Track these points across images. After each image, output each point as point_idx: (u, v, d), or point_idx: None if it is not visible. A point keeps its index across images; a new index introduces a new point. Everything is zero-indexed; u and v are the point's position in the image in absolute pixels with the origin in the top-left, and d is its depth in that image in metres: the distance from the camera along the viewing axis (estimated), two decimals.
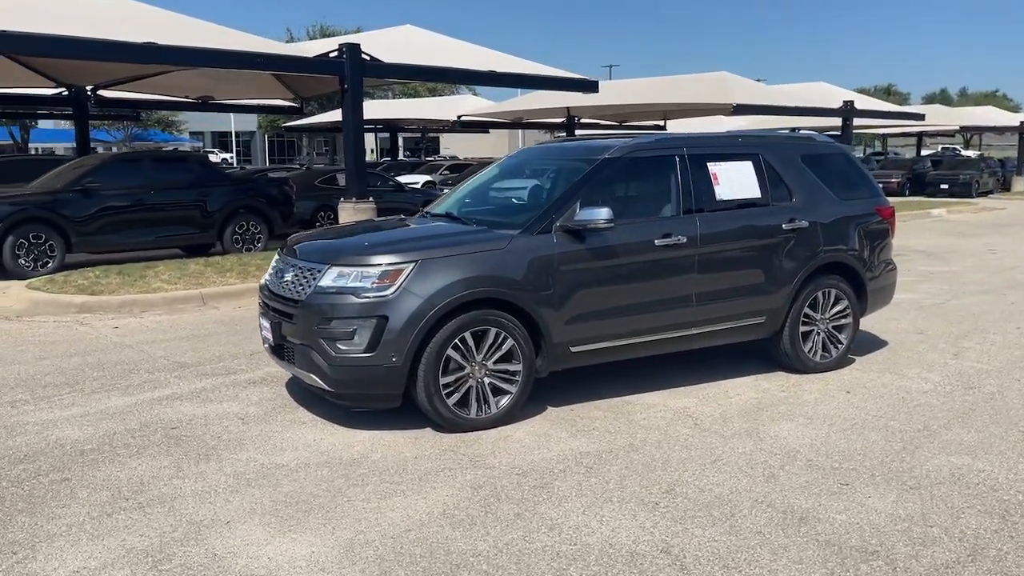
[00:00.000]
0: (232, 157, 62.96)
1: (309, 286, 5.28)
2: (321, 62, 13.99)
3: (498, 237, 5.46)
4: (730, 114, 23.72)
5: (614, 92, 25.88)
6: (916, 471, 4.67)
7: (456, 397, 5.24)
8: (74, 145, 23.50)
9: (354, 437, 5.22)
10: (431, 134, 49.35)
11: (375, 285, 5.10)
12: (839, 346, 6.77)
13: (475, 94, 35.57)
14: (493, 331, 5.29)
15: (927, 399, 5.98)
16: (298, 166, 36.18)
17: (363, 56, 13.85)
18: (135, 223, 12.69)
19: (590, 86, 17.81)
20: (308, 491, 4.40)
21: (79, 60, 14.88)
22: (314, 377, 5.24)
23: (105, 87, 21.05)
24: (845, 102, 23.48)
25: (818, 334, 6.67)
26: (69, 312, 9.14)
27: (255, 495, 4.36)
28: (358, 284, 5.12)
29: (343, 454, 4.93)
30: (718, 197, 6.23)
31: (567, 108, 26.04)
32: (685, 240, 5.93)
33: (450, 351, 5.16)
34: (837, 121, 24.13)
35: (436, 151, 60.07)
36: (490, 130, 36.89)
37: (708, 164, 6.24)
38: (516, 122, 31.29)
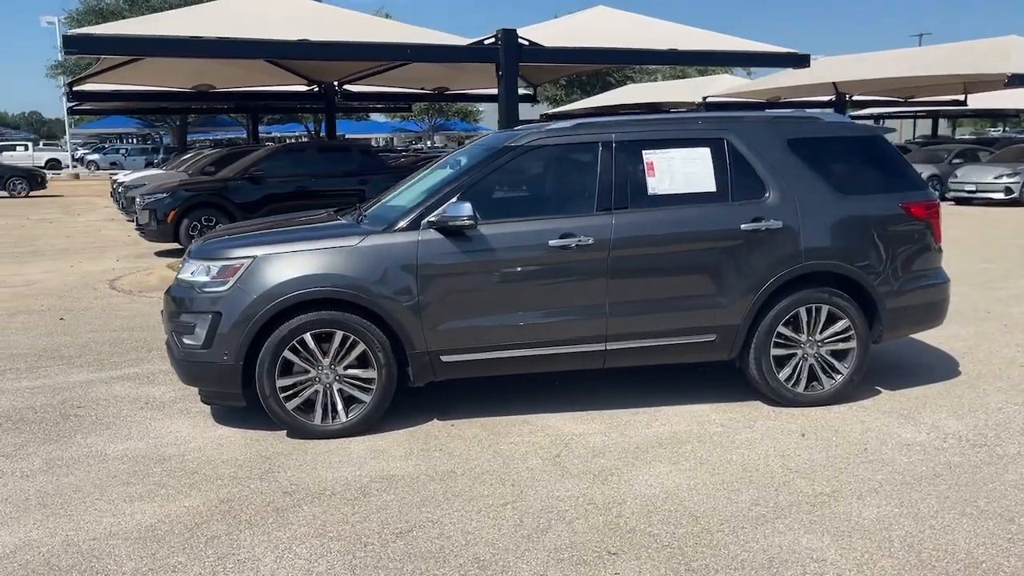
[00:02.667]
0: None
1: (175, 279, 5.29)
2: (475, 50, 13.98)
3: (349, 235, 5.07)
4: (1004, 86, 20.22)
5: (873, 65, 23.23)
6: (715, 557, 3.63)
7: (297, 401, 4.96)
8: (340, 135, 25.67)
9: (213, 433, 5.15)
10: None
11: (214, 280, 4.97)
12: (835, 376, 5.46)
13: (732, 73, 33.64)
14: (339, 334, 4.93)
15: (903, 458, 4.63)
16: None
17: (520, 41, 13.62)
18: (297, 209, 13.59)
19: (798, 61, 16.10)
20: (81, 483, 4.41)
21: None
22: (175, 369, 5.25)
23: (348, 82, 22.81)
24: None
25: (804, 359, 5.42)
26: None
27: (36, 482, 4.45)
28: (202, 279, 5.02)
29: (172, 449, 4.89)
30: (651, 191, 5.27)
31: (833, 84, 23.64)
32: (592, 241, 5.09)
33: (287, 353, 4.89)
34: None
35: None
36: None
37: (644, 152, 5.30)
38: (772, 101, 29.17)
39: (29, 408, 5.67)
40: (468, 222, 4.91)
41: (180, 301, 5.08)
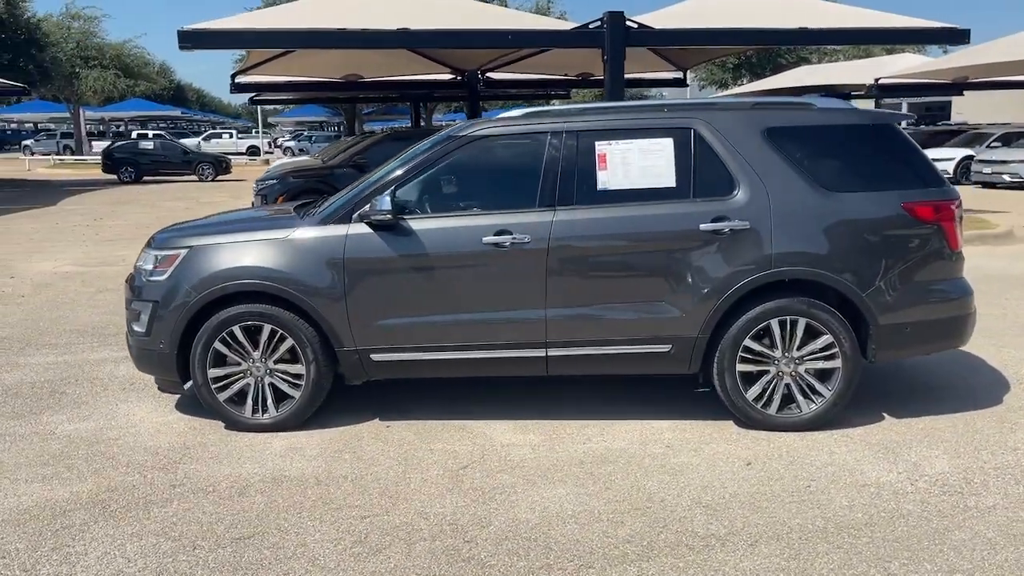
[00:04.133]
0: None
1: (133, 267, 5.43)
2: (579, 34, 13.61)
3: (282, 227, 4.98)
4: None
5: None
6: None
7: (228, 393, 4.96)
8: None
9: (163, 419, 5.26)
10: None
11: (156, 270, 5.04)
12: (816, 399, 4.80)
13: (922, 52, 30.79)
14: (268, 328, 4.88)
15: (844, 501, 3.99)
16: None
17: (628, 24, 13.11)
18: None
19: (953, 36, 14.57)
20: (4, 460, 4.59)
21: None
22: None
23: (490, 70, 22.97)
24: None
25: (779, 378, 4.81)
26: None
27: None
28: (148, 267, 5.11)
29: (113, 433, 5.01)
30: (600, 186, 4.82)
31: None
32: (528, 240, 4.73)
33: (218, 344, 4.90)
34: None
35: (940, 118, 52.61)
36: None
37: (597, 144, 4.86)
38: (958, 82, 26.49)
39: (31, 383, 6.03)
40: (386, 217, 4.70)
41: (132, 289, 5.21)
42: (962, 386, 5.62)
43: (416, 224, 4.81)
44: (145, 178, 29.60)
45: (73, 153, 44.63)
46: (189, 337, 4.92)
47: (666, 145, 4.82)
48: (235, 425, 4.99)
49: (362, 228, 4.82)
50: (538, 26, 14.15)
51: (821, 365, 4.78)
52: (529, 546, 3.58)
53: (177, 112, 60.64)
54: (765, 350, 4.78)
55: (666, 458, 4.50)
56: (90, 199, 22.43)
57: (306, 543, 3.65)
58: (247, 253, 4.90)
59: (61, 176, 33.72)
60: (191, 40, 12.22)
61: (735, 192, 4.74)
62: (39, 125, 65.57)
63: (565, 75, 24.26)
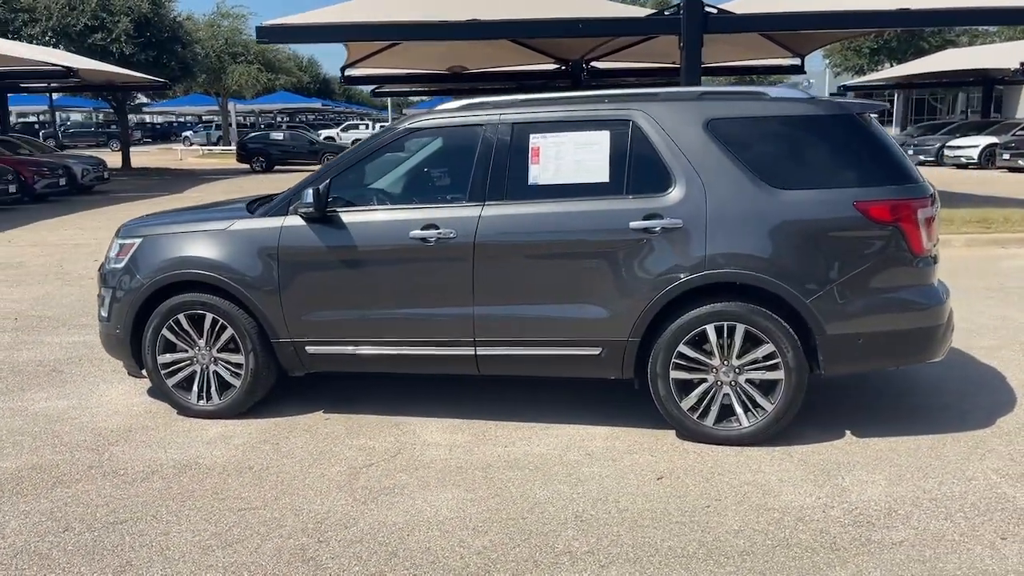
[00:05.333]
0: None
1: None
2: (654, 21, 13.28)
3: (226, 219, 5.07)
4: None
5: None
6: None
7: (176, 379, 5.11)
8: None
9: (127, 401, 5.45)
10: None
11: (116, 258, 5.24)
12: (758, 412, 4.45)
13: None
14: (210, 317, 4.99)
15: (734, 524, 3.68)
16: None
17: (707, 10, 12.63)
18: None
19: None
20: None
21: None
22: None
23: (594, 59, 22.70)
24: None
25: (717, 388, 4.49)
26: None
27: None
28: (111, 255, 5.32)
29: (76, 412, 5.23)
30: (531, 181, 4.63)
31: None
32: (454, 235, 4.61)
33: (165, 331, 5.04)
34: None
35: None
36: None
37: (531, 137, 4.66)
38: None
39: (40, 361, 6.42)
40: (309, 210, 4.70)
41: (100, 276, 5.44)
42: (958, 404, 5.07)
43: (347, 217, 4.79)
44: (276, 167, 31.03)
45: (223, 144, 47.40)
46: (142, 323, 5.09)
47: (602, 138, 4.57)
48: (184, 411, 5.13)
49: (296, 220, 4.84)
50: (614, 14, 13.82)
51: (762, 376, 4.42)
52: (375, 551, 3.50)
53: (318, 104, 63.16)
54: (702, 357, 4.47)
55: (579, 467, 4.29)
56: (214, 188, 23.68)
57: (168, 532, 3.69)
58: (191, 244, 5.02)
59: (206, 166, 35.84)
60: (268, 35, 12.68)
61: (670, 189, 4.45)
62: (202, 118, 69.93)
63: (673, 63, 23.63)
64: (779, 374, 4.38)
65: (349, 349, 4.86)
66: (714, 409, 4.49)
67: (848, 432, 4.64)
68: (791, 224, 4.32)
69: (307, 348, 4.92)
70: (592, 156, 4.56)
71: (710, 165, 4.41)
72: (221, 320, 4.96)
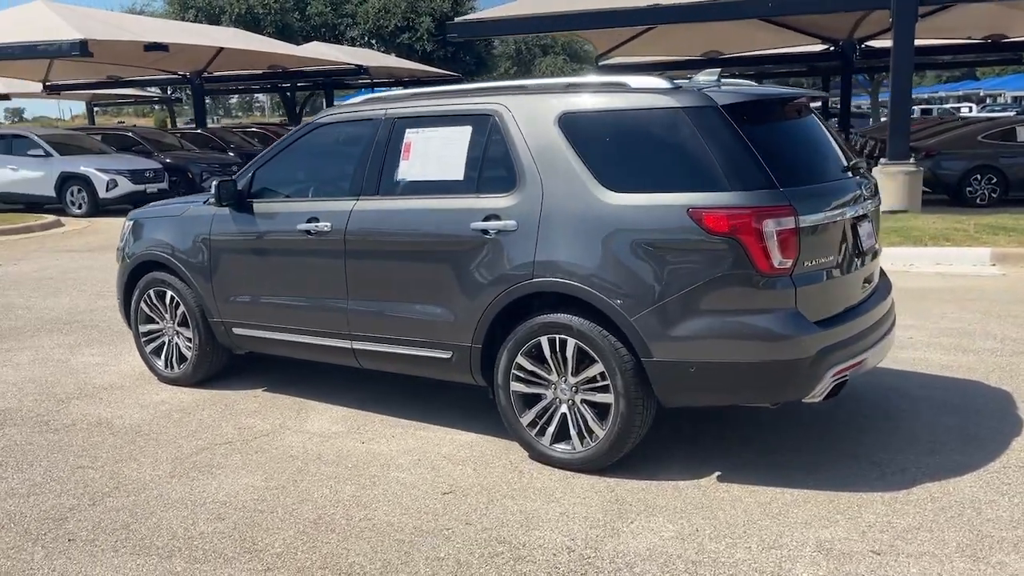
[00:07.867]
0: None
1: None
2: None
3: (182, 205, 5.57)
4: None
5: None
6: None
7: (151, 347, 5.76)
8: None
9: (114, 366, 6.16)
10: None
11: (121, 239, 6.00)
12: (591, 438, 4.03)
13: None
14: (169, 294, 5.55)
15: (452, 552, 3.46)
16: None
17: None
18: None
19: None
20: None
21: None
22: None
23: (870, 38, 20.75)
24: None
25: (557, 405, 4.14)
26: None
27: None
28: (121, 236, 6.09)
29: (61, 369, 6.08)
30: (399, 177, 4.55)
31: None
32: (329, 229, 4.69)
33: (142, 304, 5.70)
34: None
35: None
36: None
37: (407, 132, 4.58)
38: None
39: (77, 313, 7.43)
40: (212, 201, 5.06)
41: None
42: (882, 455, 4.15)
43: (258, 207, 5.07)
44: None
45: None
46: (130, 295, 5.81)
47: (464, 134, 4.37)
48: (158, 376, 5.77)
49: (224, 210, 5.22)
50: None
51: (593, 398, 3.99)
52: (116, 528, 3.71)
53: None
54: (540, 371, 4.14)
55: (390, 470, 4.20)
56: None
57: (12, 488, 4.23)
58: (156, 228, 5.62)
59: None
60: (459, 31, 13.26)
61: (514, 189, 4.15)
62: None
63: (969, 38, 20.91)
64: (608, 397, 3.93)
65: (260, 333, 5.16)
66: (550, 428, 4.14)
67: (716, 474, 4.03)
68: (622, 231, 3.83)
69: (234, 329, 5.29)
70: (452, 152, 4.39)
71: (553, 164, 4.04)
72: (177, 298, 5.50)
